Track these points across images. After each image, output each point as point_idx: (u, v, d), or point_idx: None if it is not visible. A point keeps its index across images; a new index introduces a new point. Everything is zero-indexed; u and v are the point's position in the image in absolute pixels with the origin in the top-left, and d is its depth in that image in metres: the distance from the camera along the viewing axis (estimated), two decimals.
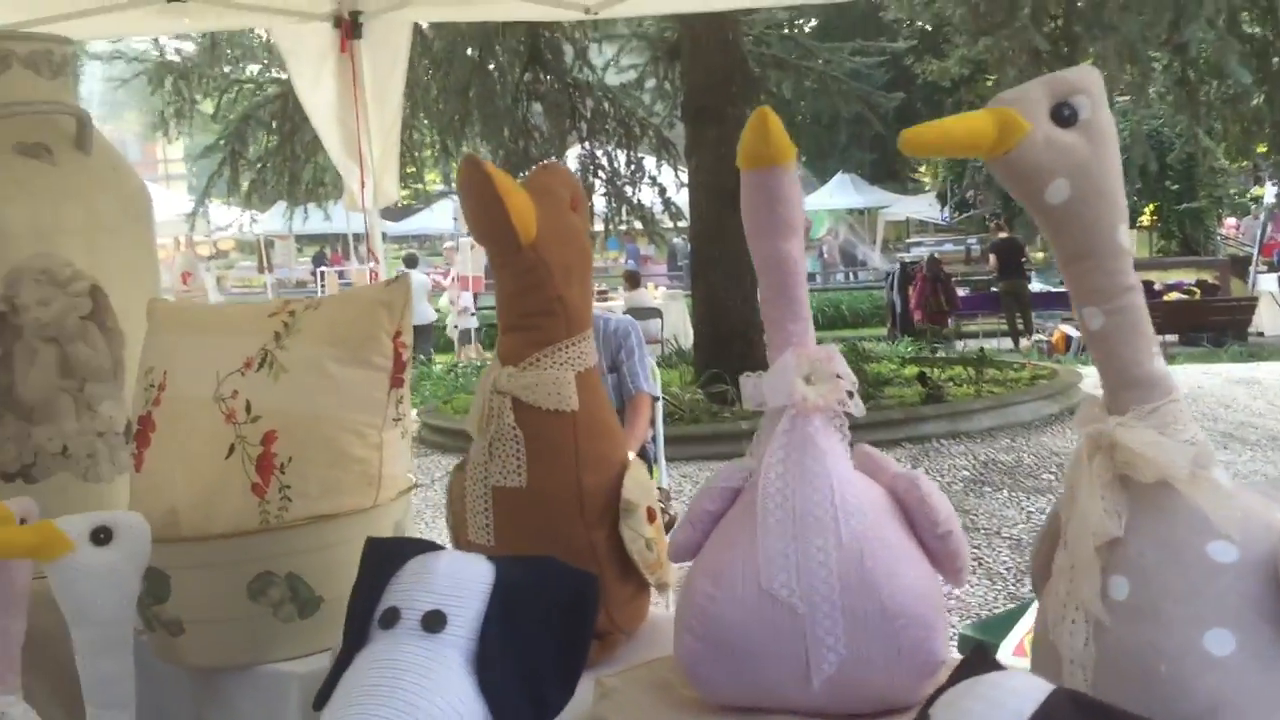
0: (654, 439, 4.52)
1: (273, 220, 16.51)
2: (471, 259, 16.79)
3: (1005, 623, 2.48)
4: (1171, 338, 13.14)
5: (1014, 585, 5.10)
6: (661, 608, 1.97)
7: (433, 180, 19.94)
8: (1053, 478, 7.05)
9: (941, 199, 22.71)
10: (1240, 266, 16.84)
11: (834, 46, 12.23)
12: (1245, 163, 18.38)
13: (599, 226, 11.56)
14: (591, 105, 11.04)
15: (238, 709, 1.87)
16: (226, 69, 12.13)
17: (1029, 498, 6.62)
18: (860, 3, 13.41)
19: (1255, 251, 17.99)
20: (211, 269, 18.08)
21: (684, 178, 10.57)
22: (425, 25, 9.05)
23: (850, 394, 1.45)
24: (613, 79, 11.67)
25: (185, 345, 1.94)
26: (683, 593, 1.45)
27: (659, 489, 3.97)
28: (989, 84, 12.20)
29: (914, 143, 1.15)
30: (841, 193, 24.23)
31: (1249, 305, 14.45)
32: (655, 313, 13.35)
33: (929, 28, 14.21)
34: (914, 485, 1.45)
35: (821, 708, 1.40)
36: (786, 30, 12.66)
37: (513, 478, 1.68)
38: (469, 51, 10.61)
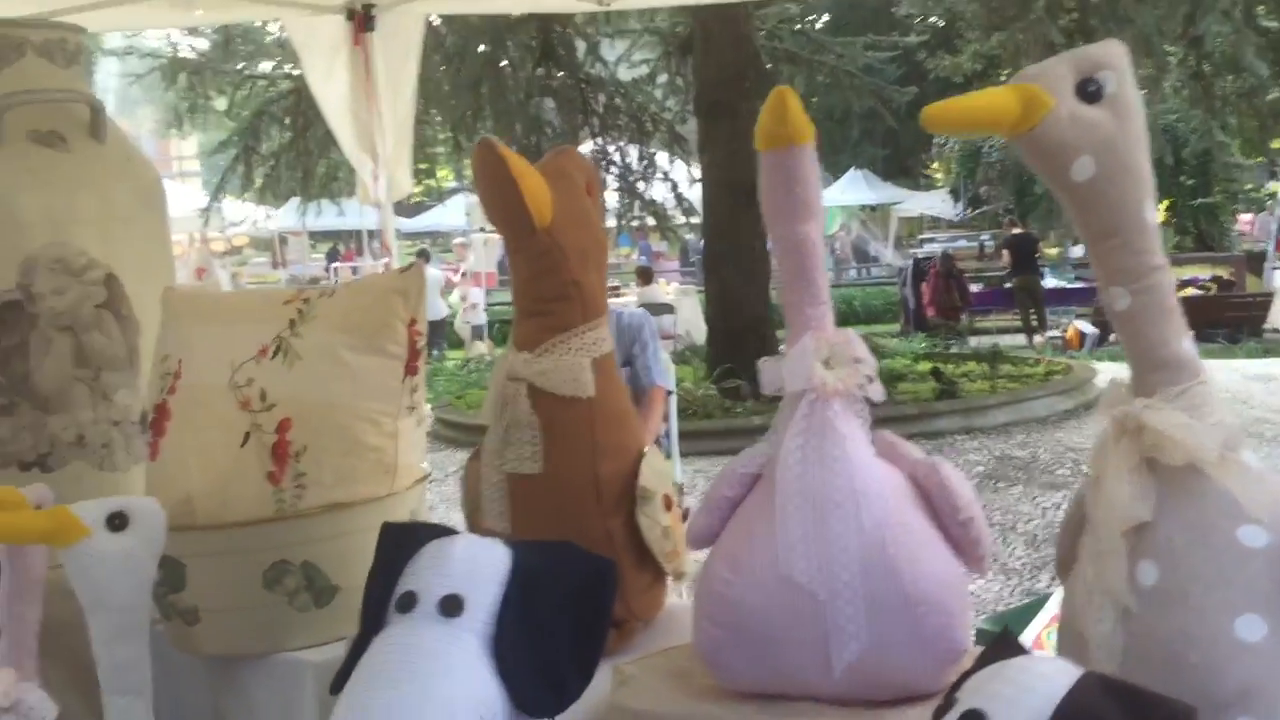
0: (667, 433, 4.50)
1: (286, 216, 16.57)
2: (484, 255, 16.78)
3: (1021, 617, 2.45)
4: None
5: (1029, 580, 5.07)
6: (678, 597, 1.96)
7: (445, 177, 19.95)
8: (1068, 473, 7.01)
9: (955, 195, 22.61)
10: (1256, 262, 16.71)
11: (846, 41, 12.16)
12: (1261, 158, 18.27)
13: (611, 223, 11.54)
14: (604, 100, 11.01)
15: (253, 698, 1.87)
16: (240, 65, 12.14)
17: (1044, 493, 6.58)
18: None
19: (1270, 247, 17.85)
20: (226, 265, 18.12)
21: (696, 173, 10.55)
22: (437, 20, 9.05)
23: (870, 379, 1.43)
24: (625, 74, 11.64)
25: (200, 333, 1.94)
26: (701, 579, 1.44)
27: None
28: (1002, 79, 12.12)
29: (937, 119, 1.14)
30: (854, 189, 24.13)
31: (1265, 301, 14.34)
32: (668, 308, 13.31)
33: (942, 23, 14.18)
34: (935, 471, 1.43)
35: (842, 695, 1.38)
36: (799, 25, 12.62)
37: (528, 465, 1.67)
38: (481, 47, 10.60)
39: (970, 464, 7.27)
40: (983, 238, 20.35)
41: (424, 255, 16.43)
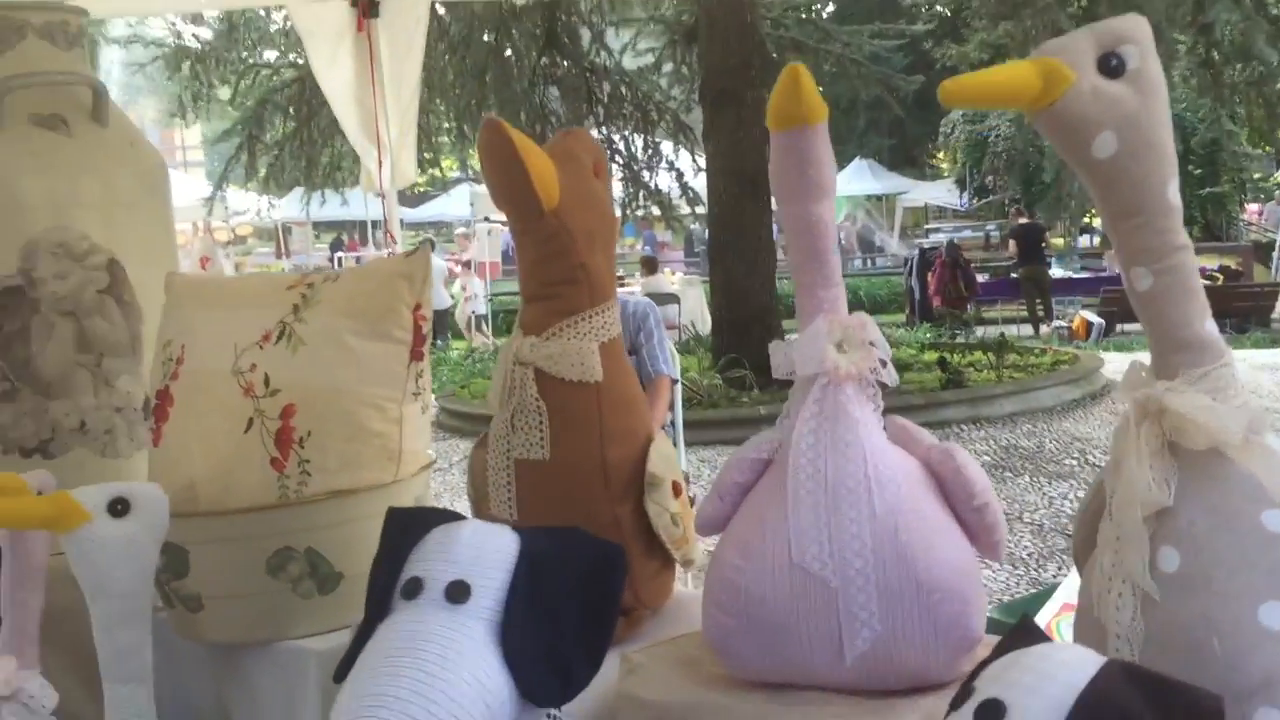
0: (672, 423, 4.48)
1: (290, 206, 16.51)
2: (488, 245, 16.74)
3: (1029, 607, 2.43)
4: None
5: (1036, 570, 5.05)
6: (686, 586, 1.94)
7: (450, 166, 19.90)
8: (1074, 463, 6.99)
9: (960, 185, 22.51)
10: (1263, 252, 16.67)
11: (853, 30, 12.09)
12: (1269, 147, 18.17)
13: (616, 212, 11.48)
14: (608, 89, 10.96)
15: (256, 686, 1.85)
16: (244, 54, 12.10)
17: (1050, 483, 6.55)
18: None
19: (1278, 237, 17.80)
20: (230, 255, 18.10)
21: (701, 162, 10.49)
22: (441, 9, 9.01)
23: (884, 362, 1.41)
24: (630, 63, 11.59)
25: (203, 319, 1.92)
26: (711, 566, 1.42)
27: None
28: None
29: (955, 93, 1.11)
30: (859, 178, 24.05)
31: (1272, 291, 14.29)
32: (673, 298, 13.28)
33: (948, 11, 14.09)
34: (949, 456, 1.41)
35: (854, 683, 1.36)
36: (805, 13, 12.55)
37: (536, 450, 1.64)
38: (485, 36, 10.56)
39: (977, 454, 7.22)
40: (989, 228, 20.31)
41: (429, 244, 16.39)
